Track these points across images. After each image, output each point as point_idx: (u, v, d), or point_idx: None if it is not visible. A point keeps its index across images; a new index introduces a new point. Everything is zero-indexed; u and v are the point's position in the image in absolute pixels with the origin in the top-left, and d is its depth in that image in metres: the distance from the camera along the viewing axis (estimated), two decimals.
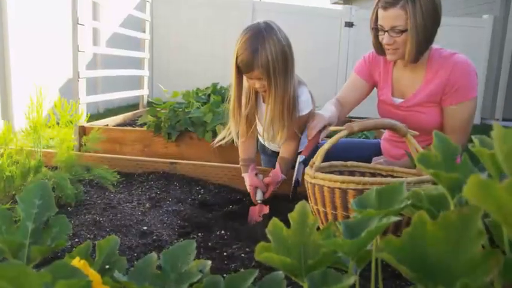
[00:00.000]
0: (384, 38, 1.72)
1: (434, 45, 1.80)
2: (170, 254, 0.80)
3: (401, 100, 1.86)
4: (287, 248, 0.75)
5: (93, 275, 0.65)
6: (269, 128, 1.72)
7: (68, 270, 0.62)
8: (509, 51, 6.90)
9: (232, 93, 1.74)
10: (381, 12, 1.70)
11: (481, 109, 6.99)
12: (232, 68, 1.66)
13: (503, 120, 6.96)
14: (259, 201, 1.70)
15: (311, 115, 1.73)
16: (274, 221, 0.77)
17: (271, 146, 2.04)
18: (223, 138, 1.83)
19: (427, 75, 1.78)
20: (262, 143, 2.02)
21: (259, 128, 1.88)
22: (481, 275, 0.57)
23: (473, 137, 0.81)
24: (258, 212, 1.67)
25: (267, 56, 1.56)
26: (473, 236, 0.58)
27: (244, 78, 1.69)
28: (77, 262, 0.67)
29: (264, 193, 1.73)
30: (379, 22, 1.72)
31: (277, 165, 1.79)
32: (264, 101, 1.81)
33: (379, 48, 1.82)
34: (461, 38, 6.77)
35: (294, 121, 1.71)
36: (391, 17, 1.66)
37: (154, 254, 0.81)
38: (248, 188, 1.77)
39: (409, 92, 1.84)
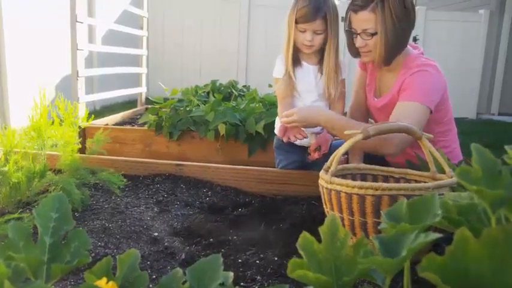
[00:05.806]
0: (356, 41, 1.70)
1: (416, 52, 1.76)
2: (196, 269, 0.77)
3: (377, 100, 1.86)
4: (318, 262, 0.73)
5: None
6: (330, 77, 1.83)
7: None
8: (505, 45, 6.92)
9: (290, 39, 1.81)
10: (352, 15, 1.68)
11: (477, 104, 6.99)
12: (290, 24, 1.77)
13: (499, 114, 6.97)
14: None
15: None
16: (304, 234, 0.75)
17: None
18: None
19: (398, 79, 1.75)
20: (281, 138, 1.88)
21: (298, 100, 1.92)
22: None
23: (506, 147, 0.79)
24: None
25: (329, 6, 1.76)
26: None
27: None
28: (105, 284, 0.65)
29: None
30: (352, 25, 1.70)
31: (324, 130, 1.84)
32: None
33: (354, 51, 1.79)
34: (458, 32, 6.79)
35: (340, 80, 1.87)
36: (362, 20, 1.64)
37: (179, 270, 0.78)
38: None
39: (385, 92, 1.84)
